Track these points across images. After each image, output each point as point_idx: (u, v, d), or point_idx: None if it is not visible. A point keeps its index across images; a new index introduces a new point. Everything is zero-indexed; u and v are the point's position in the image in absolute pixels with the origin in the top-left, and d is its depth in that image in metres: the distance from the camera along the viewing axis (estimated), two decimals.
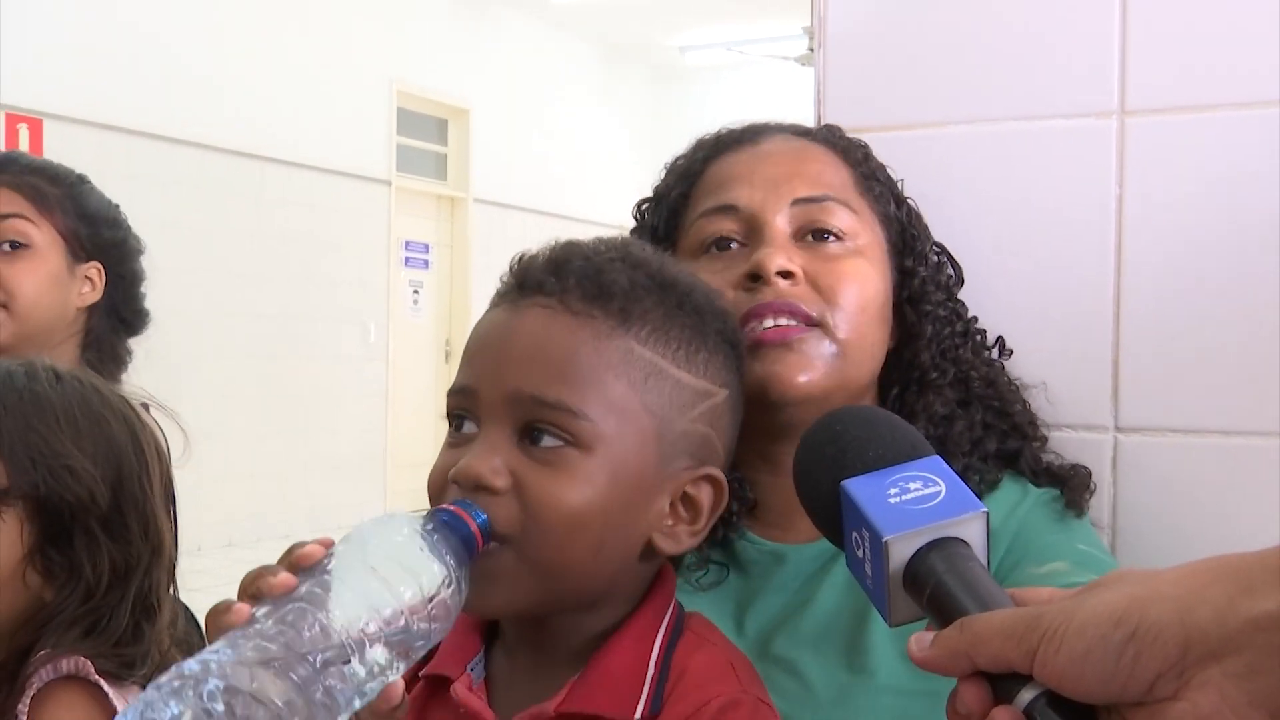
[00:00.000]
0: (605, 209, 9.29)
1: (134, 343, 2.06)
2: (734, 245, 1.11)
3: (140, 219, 2.03)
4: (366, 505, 7.69)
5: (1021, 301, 1.26)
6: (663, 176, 1.22)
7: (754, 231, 1.10)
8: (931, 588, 0.66)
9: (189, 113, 6.92)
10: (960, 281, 1.22)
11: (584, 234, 0.94)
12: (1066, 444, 1.20)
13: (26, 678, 1.06)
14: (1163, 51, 1.22)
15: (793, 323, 1.06)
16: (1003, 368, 1.21)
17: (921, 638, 0.64)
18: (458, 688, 0.87)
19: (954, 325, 1.18)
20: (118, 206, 2.07)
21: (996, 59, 1.29)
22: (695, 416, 0.87)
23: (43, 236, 1.91)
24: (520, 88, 9.95)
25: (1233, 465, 1.18)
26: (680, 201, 1.18)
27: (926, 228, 1.20)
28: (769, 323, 1.05)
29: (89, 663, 1.07)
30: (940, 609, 0.65)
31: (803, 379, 1.05)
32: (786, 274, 1.07)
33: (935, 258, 1.20)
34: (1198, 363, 1.20)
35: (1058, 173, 1.25)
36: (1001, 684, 0.60)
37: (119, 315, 2.02)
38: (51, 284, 1.92)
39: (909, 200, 1.20)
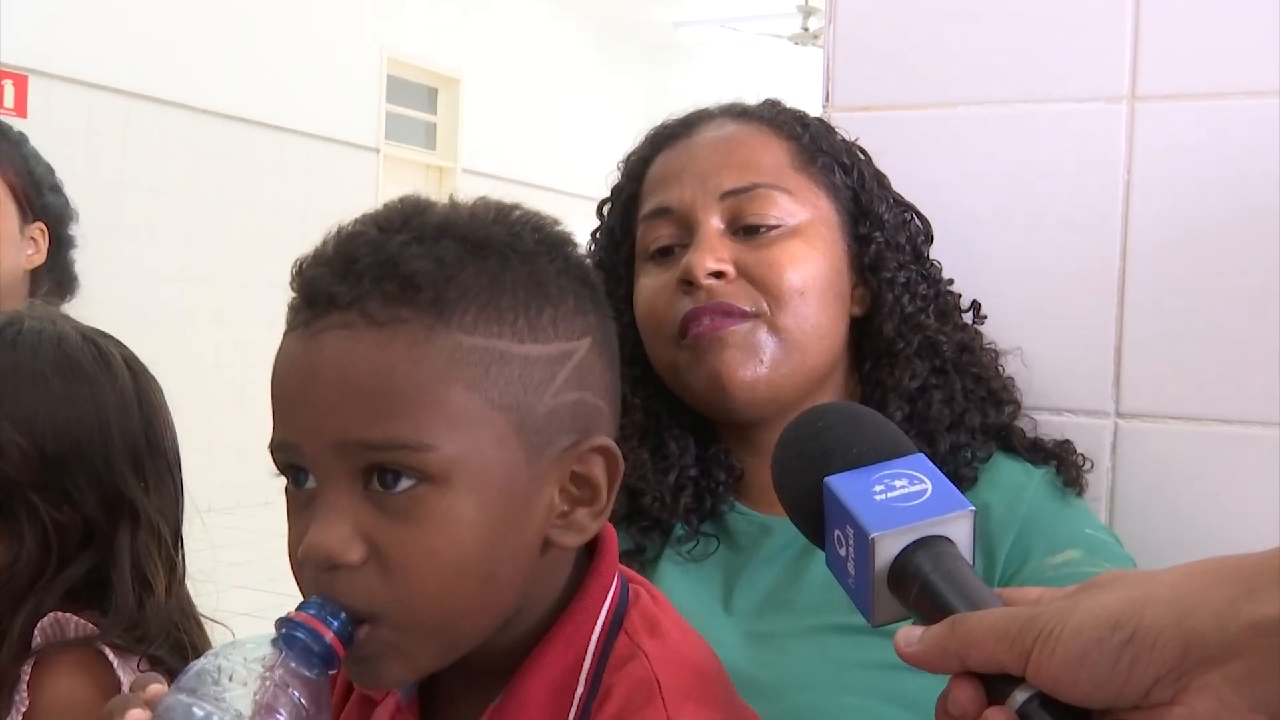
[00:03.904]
0: (594, 183, 9.21)
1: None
2: (675, 250, 1.13)
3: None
4: None
5: (1025, 285, 1.26)
6: (618, 174, 1.23)
7: (688, 231, 1.12)
8: (918, 586, 0.64)
9: (179, 75, 6.83)
10: (929, 238, 1.20)
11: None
12: (1067, 428, 1.20)
13: (28, 640, 1.05)
14: (1174, 38, 1.22)
15: (726, 319, 1.07)
16: (978, 332, 1.20)
17: (909, 633, 0.62)
18: (379, 715, 0.81)
19: (916, 289, 1.15)
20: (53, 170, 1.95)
21: (1008, 41, 1.28)
22: (559, 387, 0.74)
23: None
24: (512, 58, 9.88)
25: (1232, 454, 1.18)
26: (630, 203, 1.19)
27: (885, 189, 1.18)
28: (705, 321, 1.07)
29: (96, 629, 1.06)
30: (927, 608, 0.64)
31: (745, 372, 1.07)
32: (717, 274, 1.08)
33: (898, 217, 1.17)
34: (1200, 351, 1.20)
35: (1067, 157, 1.25)
36: (993, 684, 0.59)
37: (56, 280, 1.90)
38: (6, 243, 1.80)
39: (861, 161, 1.18)
